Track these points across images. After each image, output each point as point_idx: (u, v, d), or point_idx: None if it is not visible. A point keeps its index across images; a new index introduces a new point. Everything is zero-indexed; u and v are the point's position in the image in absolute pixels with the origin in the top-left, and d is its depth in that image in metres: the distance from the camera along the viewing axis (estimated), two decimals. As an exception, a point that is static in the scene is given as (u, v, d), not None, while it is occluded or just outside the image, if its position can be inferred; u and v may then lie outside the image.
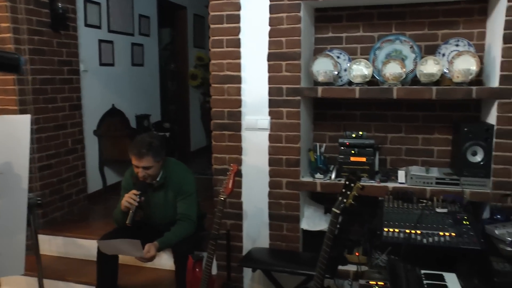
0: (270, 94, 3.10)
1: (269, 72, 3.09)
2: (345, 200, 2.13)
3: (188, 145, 7.13)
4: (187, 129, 7.15)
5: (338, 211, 2.14)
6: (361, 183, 2.12)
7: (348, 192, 2.12)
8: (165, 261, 3.56)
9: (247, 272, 3.37)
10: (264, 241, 3.29)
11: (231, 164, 2.91)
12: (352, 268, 3.06)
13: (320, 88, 2.98)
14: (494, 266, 2.29)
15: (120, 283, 3.30)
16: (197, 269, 2.88)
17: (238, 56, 3.14)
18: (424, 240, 2.38)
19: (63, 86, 4.29)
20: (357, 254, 3.05)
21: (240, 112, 3.20)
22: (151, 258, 2.90)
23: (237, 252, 3.32)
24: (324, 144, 3.32)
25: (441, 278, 2.10)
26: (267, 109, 3.12)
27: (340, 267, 3.08)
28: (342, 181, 2.32)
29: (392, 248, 2.38)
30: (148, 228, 3.23)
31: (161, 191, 3.15)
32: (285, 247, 3.22)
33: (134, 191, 2.97)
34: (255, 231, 3.31)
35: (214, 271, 3.47)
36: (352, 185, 2.12)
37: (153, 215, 3.24)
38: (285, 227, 3.20)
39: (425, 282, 2.05)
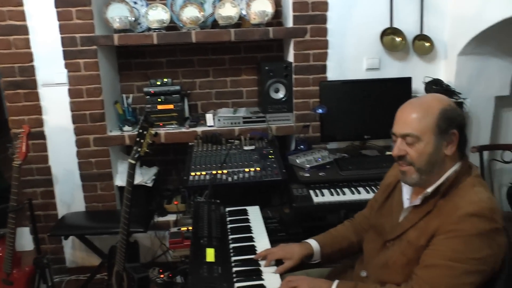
0: (63, 44, 2.81)
1: (59, 20, 2.78)
2: (139, 149, 2.03)
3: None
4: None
5: (133, 162, 2.04)
6: (154, 130, 2.04)
7: (142, 141, 2.03)
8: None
9: (68, 241, 3.16)
10: (80, 205, 3.09)
11: (22, 126, 2.60)
12: (173, 218, 3.03)
13: (116, 36, 2.77)
14: (294, 192, 2.43)
15: None
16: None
17: (20, 2, 2.76)
18: (229, 179, 2.43)
19: None
20: (176, 203, 3.03)
21: (33, 66, 2.86)
22: None
23: (53, 221, 3.05)
24: (131, 95, 3.16)
25: (245, 212, 2.15)
26: (62, 62, 2.84)
27: (160, 219, 3.04)
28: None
29: (210, 192, 2.37)
30: None
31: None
32: (102, 207, 3.06)
33: None
34: (69, 195, 3.09)
35: (30, 246, 3.19)
36: (145, 132, 2.03)
37: None
38: (98, 186, 3.03)
39: (228, 218, 2.08)
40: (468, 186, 1.40)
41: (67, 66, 2.84)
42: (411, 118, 1.42)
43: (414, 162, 1.43)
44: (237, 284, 1.55)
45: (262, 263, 1.70)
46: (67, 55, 2.83)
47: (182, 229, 2.39)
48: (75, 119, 2.92)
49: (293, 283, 1.52)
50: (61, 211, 3.10)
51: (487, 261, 1.31)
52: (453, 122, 1.41)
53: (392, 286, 1.38)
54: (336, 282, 1.49)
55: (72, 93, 2.88)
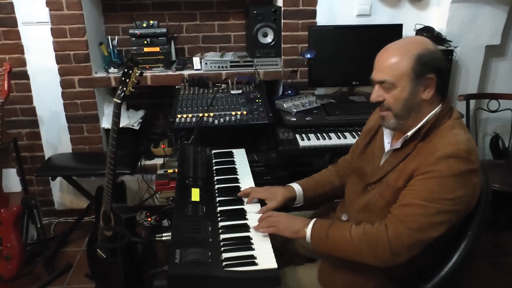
0: (41, -22, 2.70)
1: (39, -44, 2.66)
2: (125, 89, 2.00)
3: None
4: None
5: (119, 101, 2.01)
6: (138, 70, 2.00)
7: (127, 80, 1.99)
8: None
9: (55, 183, 3.18)
10: (66, 147, 3.08)
11: (4, 63, 2.53)
12: (160, 161, 3.05)
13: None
14: (280, 136, 2.44)
15: None
16: (-13, 190, 2.58)
17: None
18: (216, 122, 2.42)
19: None
20: (163, 146, 3.03)
21: (11, 4, 2.77)
22: None
23: (39, 163, 3.05)
24: (117, 37, 3.08)
25: (230, 155, 2.15)
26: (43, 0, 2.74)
27: (147, 162, 3.05)
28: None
29: (198, 135, 2.37)
30: None
31: None
32: (89, 150, 3.06)
33: None
34: (55, 137, 3.08)
35: (18, 188, 3.20)
36: (130, 72, 1.99)
37: None
38: (85, 128, 3.01)
39: (214, 160, 2.09)
40: (447, 128, 1.41)
41: (48, 4, 2.74)
42: (386, 64, 1.41)
43: (391, 107, 1.44)
44: (221, 223, 1.57)
45: (246, 203, 1.72)
46: (47, -9, 2.72)
47: (168, 171, 2.39)
48: (59, 60, 2.86)
49: (272, 218, 1.55)
50: (48, 153, 3.11)
51: (460, 201, 1.34)
52: (429, 66, 1.39)
53: (366, 225, 1.41)
54: (313, 220, 1.50)
55: (55, 33, 2.80)
